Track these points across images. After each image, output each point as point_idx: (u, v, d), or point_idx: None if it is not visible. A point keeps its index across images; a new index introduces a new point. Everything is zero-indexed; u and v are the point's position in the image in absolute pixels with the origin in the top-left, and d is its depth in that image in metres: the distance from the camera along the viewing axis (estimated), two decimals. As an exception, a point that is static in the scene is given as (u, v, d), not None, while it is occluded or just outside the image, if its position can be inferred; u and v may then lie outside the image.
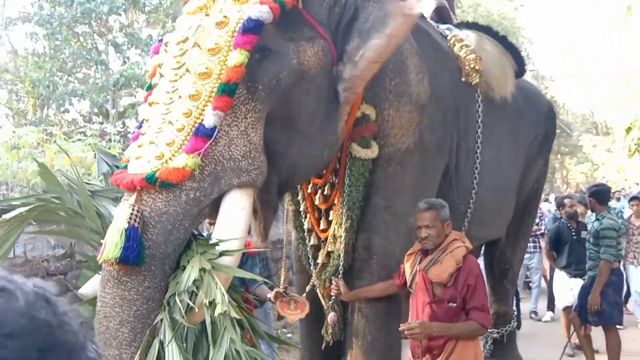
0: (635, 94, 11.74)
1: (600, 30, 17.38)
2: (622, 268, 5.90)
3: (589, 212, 5.96)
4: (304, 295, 3.43)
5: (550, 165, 6.12)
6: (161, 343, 2.09)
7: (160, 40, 2.64)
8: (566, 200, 6.12)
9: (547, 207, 10.41)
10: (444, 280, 2.93)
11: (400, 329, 2.98)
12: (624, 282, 5.37)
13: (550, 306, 7.29)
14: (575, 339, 5.54)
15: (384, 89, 3.12)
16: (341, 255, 3.20)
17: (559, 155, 25.15)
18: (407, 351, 3.21)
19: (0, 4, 14.41)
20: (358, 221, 3.22)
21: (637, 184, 14.04)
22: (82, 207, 2.53)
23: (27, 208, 2.52)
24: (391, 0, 2.70)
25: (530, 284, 8.12)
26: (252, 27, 2.38)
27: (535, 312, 7.53)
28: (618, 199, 10.54)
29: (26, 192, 5.59)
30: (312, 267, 3.45)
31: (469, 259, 2.98)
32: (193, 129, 2.30)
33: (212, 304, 2.06)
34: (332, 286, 3.25)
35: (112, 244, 2.10)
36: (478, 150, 3.87)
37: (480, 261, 4.94)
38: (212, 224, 2.52)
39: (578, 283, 5.37)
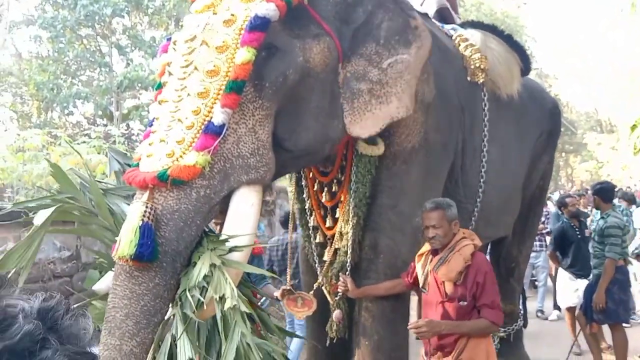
0: (640, 91, 11.74)
1: (604, 28, 17.35)
2: None
3: (594, 209, 5.94)
4: (311, 293, 3.44)
5: (554, 164, 6.11)
6: (173, 338, 2.11)
7: (169, 39, 2.66)
8: (568, 200, 6.10)
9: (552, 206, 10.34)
10: (453, 279, 2.93)
11: (408, 327, 3.00)
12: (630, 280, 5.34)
13: (557, 305, 7.27)
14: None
15: None
16: (348, 252, 3.21)
17: (563, 154, 25.09)
18: (422, 349, 3.22)
19: (4, 7, 14.47)
20: (364, 219, 3.24)
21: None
22: (95, 205, 2.55)
23: (51, 211, 2.55)
24: (400, 13, 2.88)
25: (536, 283, 8.11)
26: (258, 25, 2.41)
27: (542, 311, 7.50)
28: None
29: (31, 194, 5.61)
30: (317, 265, 3.47)
31: (477, 257, 2.98)
32: (202, 126, 2.33)
33: (222, 299, 2.09)
34: (340, 282, 3.26)
35: (126, 241, 2.13)
36: (484, 149, 3.88)
37: (486, 259, 4.95)
38: (218, 224, 2.53)
39: (583, 284, 5.36)
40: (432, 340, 3.00)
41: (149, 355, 2.19)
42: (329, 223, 3.36)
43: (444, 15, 4.50)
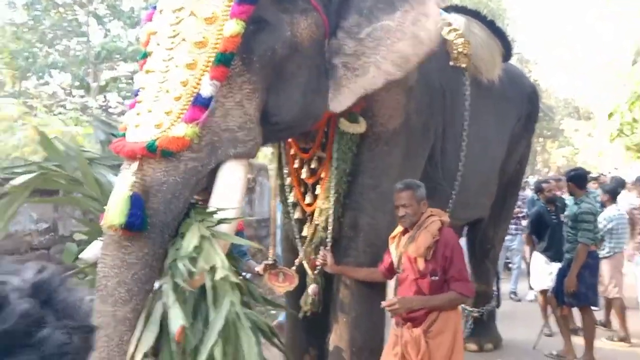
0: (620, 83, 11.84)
1: (592, 19, 17.40)
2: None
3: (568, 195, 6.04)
4: (293, 269, 3.46)
5: (531, 149, 6.18)
6: (164, 306, 2.14)
7: (154, 8, 2.61)
8: (544, 185, 6.19)
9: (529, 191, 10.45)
10: (422, 255, 3.02)
11: (382, 306, 3.08)
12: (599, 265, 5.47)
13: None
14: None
15: None
16: (328, 228, 3.25)
17: (540, 139, 25.36)
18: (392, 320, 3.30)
19: (-23, -29, 13.98)
20: (344, 197, 3.27)
21: (616, 168, 14.24)
22: (81, 174, 2.53)
23: (31, 175, 2.54)
24: None
25: (510, 265, 8.26)
26: None
27: (515, 293, 7.66)
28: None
29: (6, 166, 5.49)
30: (297, 241, 3.50)
31: (445, 232, 3.08)
32: (191, 98, 2.32)
33: (212, 269, 2.12)
34: (319, 256, 3.31)
35: (116, 210, 2.14)
36: (464, 133, 3.93)
37: (463, 241, 5.03)
38: (199, 200, 2.53)
39: (557, 267, 5.47)
40: (403, 313, 3.09)
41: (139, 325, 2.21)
42: (308, 199, 3.39)
43: None
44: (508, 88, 4.57)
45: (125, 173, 2.26)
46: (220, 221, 2.31)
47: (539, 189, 6.28)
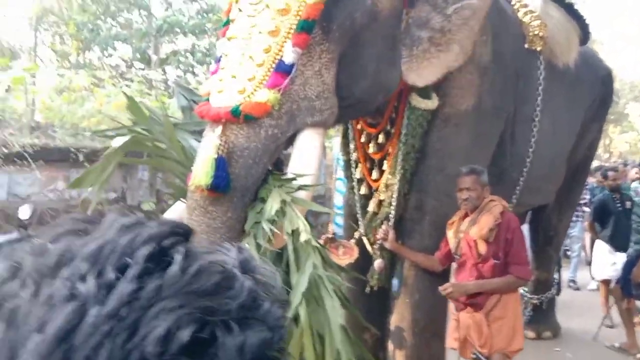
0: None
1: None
2: None
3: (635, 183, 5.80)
4: (352, 241, 3.46)
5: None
6: None
7: None
8: (610, 173, 5.96)
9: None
10: (485, 236, 3.02)
11: (438, 290, 3.08)
12: None
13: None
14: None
15: None
16: (393, 204, 3.23)
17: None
18: (451, 305, 3.29)
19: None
20: (411, 175, 3.23)
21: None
22: (167, 139, 2.61)
23: (126, 138, 2.64)
24: None
25: (569, 253, 8.03)
26: None
27: (574, 281, 7.46)
28: None
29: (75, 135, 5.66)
30: (360, 216, 3.49)
31: (506, 215, 3.10)
32: (273, 64, 2.34)
33: (294, 233, 2.17)
34: (381, 230, 3.30)
35: (203, 172, 2.21)
36: (536, 119, 3.82)
37: (525, 228, 4.90)
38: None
39: (621, 257, 5.28)
40: (461, 298, 3.11)
41: None
42: (374, 175, 3.37)
43: None
44: (582, 71, 4.39)
45: (209, 136, 2.32)
46: (300, 187, 2.35)
47: (604, 176, 6.05)
